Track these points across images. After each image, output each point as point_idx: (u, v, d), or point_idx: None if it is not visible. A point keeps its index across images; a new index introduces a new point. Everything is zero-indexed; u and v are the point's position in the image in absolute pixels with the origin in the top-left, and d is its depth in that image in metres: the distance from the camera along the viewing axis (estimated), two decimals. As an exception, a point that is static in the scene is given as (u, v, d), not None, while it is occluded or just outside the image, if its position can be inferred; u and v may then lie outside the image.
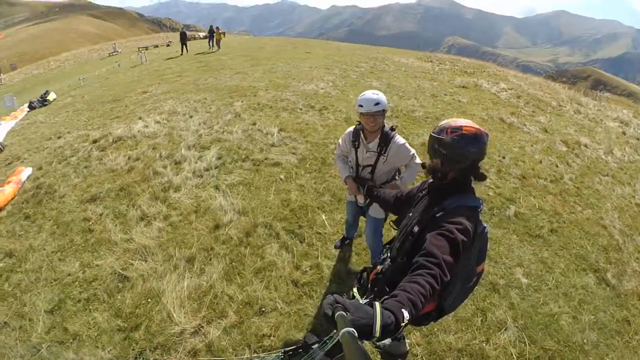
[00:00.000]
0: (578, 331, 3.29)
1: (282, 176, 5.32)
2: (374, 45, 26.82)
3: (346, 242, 4.04)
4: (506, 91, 11.36)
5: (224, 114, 7.74)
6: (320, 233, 4.28)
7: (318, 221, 4.45)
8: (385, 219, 3.21)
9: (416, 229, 1.82)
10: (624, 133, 9.35)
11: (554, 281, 3.86)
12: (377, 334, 1.16)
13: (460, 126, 1.74)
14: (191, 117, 7.76)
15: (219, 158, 5.80)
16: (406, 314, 1.25)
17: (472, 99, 10.16)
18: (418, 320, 1.94)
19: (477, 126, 1.75)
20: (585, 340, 3.22)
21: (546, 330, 3.29)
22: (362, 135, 2.95)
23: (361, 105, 2.71)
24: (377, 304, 1.23)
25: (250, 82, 10.67)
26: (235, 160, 5.73)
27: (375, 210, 3.16)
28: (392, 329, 1.20)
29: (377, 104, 2.67)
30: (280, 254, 3.94)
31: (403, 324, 1.24)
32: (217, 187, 5.05)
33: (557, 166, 6.45)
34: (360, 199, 3.00)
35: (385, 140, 2.87)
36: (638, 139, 9.07)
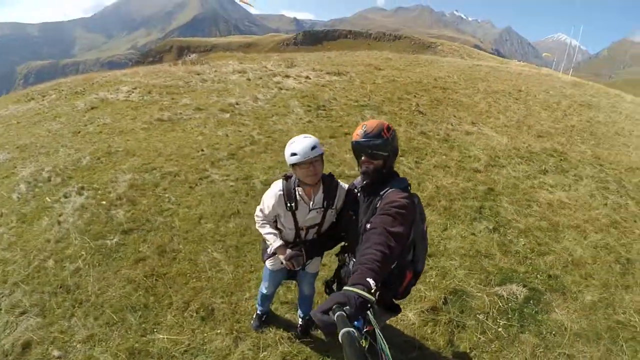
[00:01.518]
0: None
1: None
2: None
3: (264, 319, 3.34)
4: (134, 92, 10.62)
5: None
6: None
7: None
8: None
9: (369, 226, 1.94)
10: (248, 79, 11.09)
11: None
12: (372, 298, 1.38)
13: (385, 123, 2.04)
14: None
15: None
16: (371, 282, 1.45)
17: (115, 114, 8.93)
18: (404, 293, 2.26)
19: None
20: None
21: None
22: (299, 192, 2.37)
23: (294, 154, 2.17)
24: (350, 288, 1.40)
25: None
26: None
27: (314, 265, 2.81)
28: (373, 291, 1.43)
29: (314, 147, 2.18)
30: None
31: (374, 287, 1.45)
32: None
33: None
34: (297, 266, 2.47)
35: (330, 189, 2.42)
36: (260, 78, 11.06)
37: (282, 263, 2.51)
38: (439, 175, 6.51)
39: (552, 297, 3.93)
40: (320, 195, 2.41)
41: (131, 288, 3.66)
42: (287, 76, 11.73)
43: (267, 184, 5.56)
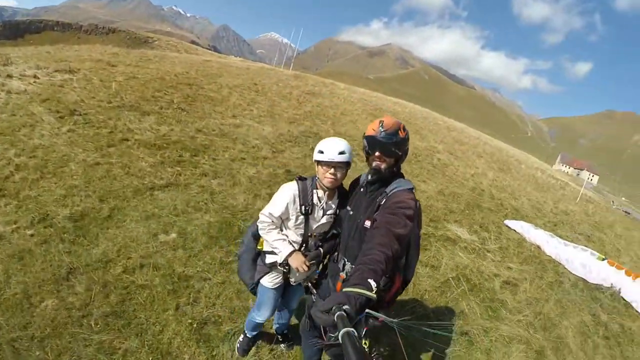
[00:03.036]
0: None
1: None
2: None
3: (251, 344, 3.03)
4: None
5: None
6: None
7: None
8: None
9: (367, 223, 1.99)
10: None
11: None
12: (373, 295, 1.40)
13: (401, 123, 2.01)
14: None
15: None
16: (373, 283, 1.45)
17: None
18: (391, 301, 2.15)
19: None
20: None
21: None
22: (317, 195, 2.28)
23: (322, 152, 2.15)
24: (351, 288, 1.40)
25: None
26: None
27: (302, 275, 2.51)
28: (375, 289, 1.45)
29: (341, 152, 2.13)
30: None
31: (375, 289, 1.44)
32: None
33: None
34: (303, 275, 2.30)
35: (344, 196, 2.36)
36: None
37: (297, 270, 2.27)
38: (241, 167, 6.99)
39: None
40: (335, 201, 2.36)
41: None
42: (10, 76, 8.65)
43: (75, 219, 4.38)
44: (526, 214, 8.26)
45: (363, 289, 1.37)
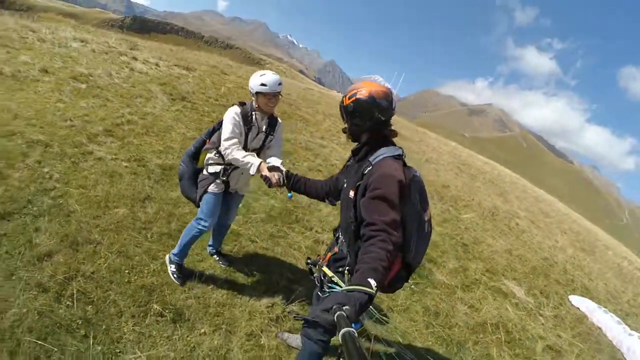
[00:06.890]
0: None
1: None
2: None
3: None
4: None
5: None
6: None
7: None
8: None
9: (351, 194, 1.90)
10: (93, 51, 9.17)
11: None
12: (372, 291, 1.37)
13: (362, 88, 1.89)
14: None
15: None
16: (372, 282, 1.41)
17: None
18: (392, 285, 1.99)
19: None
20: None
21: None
22: (255, 116, 2.79)
23: (264, 85, 2.59)
24: (352, 287, 1.39)
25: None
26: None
27: (245, 185, 3.19)
28: (375, 289, 1.41)
29: (280, 83, 2.63)
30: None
31: (375, 288, 1.40)
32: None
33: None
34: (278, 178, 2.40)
35: (272, 119, 2.89)
36: (106, 53, 9.31)
37: (272, 177, 2.34)
38: (315, 176, 7.19)
39: (429, 265, 5.23)
40: (266, 121, 2.85)
41: (50, 298, 2.50)
42: (135, 59, 10.38)
43: (165, 169, 5.00)
44: (597, 296, 6.93)
45: (363, 288, 1.38)
